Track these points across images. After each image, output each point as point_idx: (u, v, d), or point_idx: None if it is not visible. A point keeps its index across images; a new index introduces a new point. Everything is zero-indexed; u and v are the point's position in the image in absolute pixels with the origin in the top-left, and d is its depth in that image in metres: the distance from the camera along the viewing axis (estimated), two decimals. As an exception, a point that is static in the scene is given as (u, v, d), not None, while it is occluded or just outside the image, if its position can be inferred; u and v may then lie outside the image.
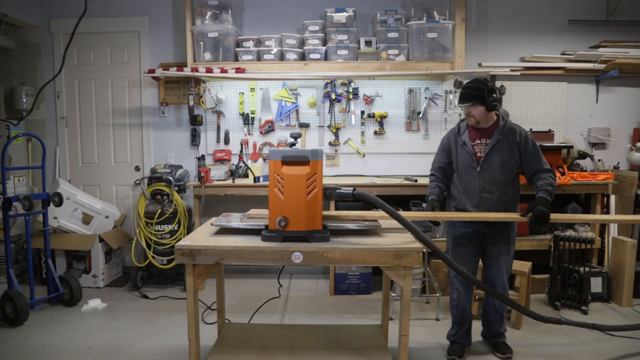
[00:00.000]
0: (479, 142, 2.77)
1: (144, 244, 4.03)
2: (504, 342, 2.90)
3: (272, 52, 4.16)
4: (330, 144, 4.45)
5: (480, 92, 2.64)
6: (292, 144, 2.36)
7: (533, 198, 2.63)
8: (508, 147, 2.71)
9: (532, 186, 2.72)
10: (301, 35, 4.21)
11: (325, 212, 2.29)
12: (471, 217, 2.67)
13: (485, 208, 2.72)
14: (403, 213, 2.34)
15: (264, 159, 4.43)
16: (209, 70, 4.03)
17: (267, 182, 2.26)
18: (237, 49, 4.18)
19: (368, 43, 4.16)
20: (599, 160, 4.36)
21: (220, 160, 4.47)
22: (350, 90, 4.33)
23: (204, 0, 4.13)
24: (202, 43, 4.13)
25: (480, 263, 2.91)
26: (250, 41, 4.19)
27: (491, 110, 2.69)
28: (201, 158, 4.34)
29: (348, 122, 4.44)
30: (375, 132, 4.45)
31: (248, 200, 4.32)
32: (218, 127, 4.48)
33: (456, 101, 4.30)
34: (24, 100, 4.37)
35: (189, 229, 4.11)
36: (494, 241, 2.79)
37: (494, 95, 2.66)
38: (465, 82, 4.20)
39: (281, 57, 4.21)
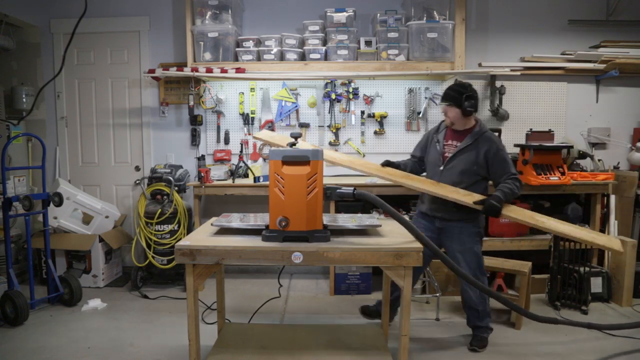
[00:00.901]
0: (451, 142, 2.85)
1: (144, 244, 4.02)
2: (481, 335, 2.93)
3: (272, 52, 4.16)
4: (330, 144, 4.45)
5: (458, 95, 2.73)
6: (293, 144, 2.36)
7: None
8: (475, 153, 2.76)
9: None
10: (301, 35, 4.21)
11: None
12: (424, 189, 2.73)
13: (440, 209, 2.80)
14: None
15: (264, 159, 4.43)
16: (209, 70, 4.03)
17: (267, 182, 2.26)
18: (237, 49, 4.18)
19: (368, 43, 4.16)
20: (599, 160, 4.36)
21: (220, 160, 4.47)
22: (350, 90, 4.33)
23: (204, 0, 4.13)
24: (202, 43, 4.13)
25: None
26: (250, 41, 4.19)
27: (466, 115, 2.77)
28: (201, 158, 4.33)
29: (348, 122, 4.44)
30: (375, 132, 4.45)
31: (248, 200, 4.32)
32: (218, 127, 4.48)
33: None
34: (24, 100, 4.37)
35: (189, 229, 4.10)
36: (449, 237, 2.87)
37: (472, 101, 2.72)
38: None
39: (281, 57, 4.21)
